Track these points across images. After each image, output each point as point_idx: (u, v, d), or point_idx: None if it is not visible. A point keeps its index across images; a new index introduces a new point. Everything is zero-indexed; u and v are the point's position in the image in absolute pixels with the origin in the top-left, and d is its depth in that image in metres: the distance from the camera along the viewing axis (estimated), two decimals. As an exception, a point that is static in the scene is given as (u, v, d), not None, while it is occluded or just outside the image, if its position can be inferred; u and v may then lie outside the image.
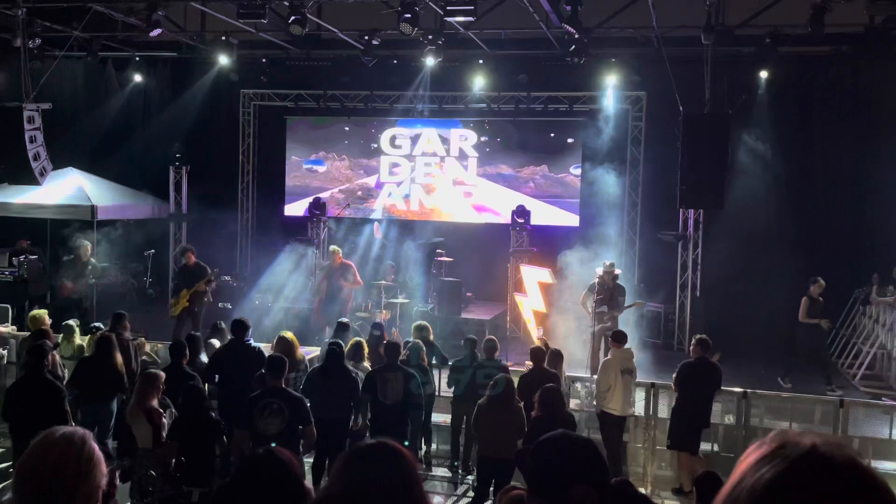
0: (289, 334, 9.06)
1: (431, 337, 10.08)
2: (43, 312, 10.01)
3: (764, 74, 13.86)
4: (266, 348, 9.00)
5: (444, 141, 16.38)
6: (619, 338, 9.37)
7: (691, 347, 9.20)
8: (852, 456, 1.10)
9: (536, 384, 8.07)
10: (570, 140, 15.82)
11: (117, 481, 2.91)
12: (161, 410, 6.96)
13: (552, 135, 15.94)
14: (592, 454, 2.04)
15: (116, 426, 8.35)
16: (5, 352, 10.92)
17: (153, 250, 15.85)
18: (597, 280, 11.75)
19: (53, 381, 7.45)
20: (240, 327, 8.78)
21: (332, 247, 13.63)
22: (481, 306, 14.87)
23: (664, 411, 9.48)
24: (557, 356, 9.32)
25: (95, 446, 2.12)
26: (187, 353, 8.36)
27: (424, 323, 10.33)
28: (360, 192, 16.83)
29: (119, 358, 8.51)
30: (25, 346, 9.19)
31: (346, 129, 16.87)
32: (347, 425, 8.15)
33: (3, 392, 10.50)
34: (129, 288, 15.54)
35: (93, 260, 12.86)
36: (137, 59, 16.24)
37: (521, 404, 8.04)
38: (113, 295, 14.39)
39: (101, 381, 8.31)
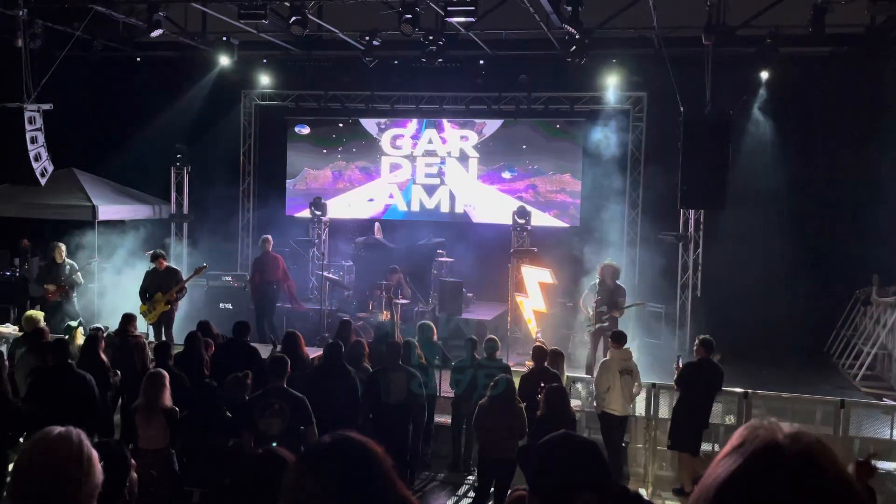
0: (294, 332, 9.09)
1: (435, 337, 10.06)
2: (39, 313, 10.02)
3: (765, 75, 13.85)
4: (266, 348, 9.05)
5: (445, 141, 16.37)
6: (618, 338, 9.38)
7: (695, 348, 9.20)
8: (808, 446, 1.11)
9: (538, 384, 8.08)
10: (570, 140, 15.82)
11: (135, 486, 2.90)
12: (177, 409, 6.99)
13: (553, 135, 15.93)
14: (594, 457, 2.04)
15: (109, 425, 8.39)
16: None
17: (154, 251, 15.86)
18: (597, 280, 11.77)
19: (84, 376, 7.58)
20: (241, 328, 9.02)
21: (264, 236, 13.76)
22: (482, 306, 14.87)
23: (665, 411, 9.48)
24: (558, 356, 9.33)
25: (91, 446, 2.12)
26: (172, 353, 8.41)
27: (428, 323, 10.31)
28: (360, 193, 16.83)
29: (103, 356, 8.53)
30: (20, 346, 9.19)
31: (346, 128, 16.87)
32: (346, 426, 8.11)
33: None
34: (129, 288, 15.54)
35: (69, 261, 12.80)
36: (138, 59, 16.24)
37: (524, 405, 8.05)
38: (113, 295, 14.39)
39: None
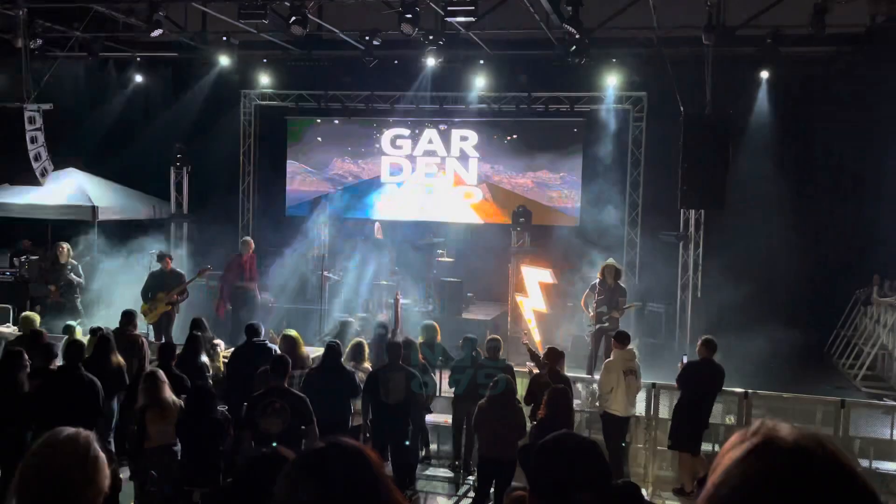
0: (293, 332, 9.09)
1: (439, 338, 10.02)
2: (35, 315, 9.99)
3: (765, 75, 13.85)
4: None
5: (445, 141, 16.38)
6: (622, 339, 9.36)
7: (697, 347, 9.19)
8: (833, 451, 1.12)
9: (547, 385, 8.06)
10: (570, 141, 15.82)
11: (120, 483, 2.91)
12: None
13: (553, 135, 15.93)
14: (595, 457, 2.04)
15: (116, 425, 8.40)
16: None
17: (154, 251, 15.87)
18: (598, 280, 11.77)
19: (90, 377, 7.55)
20: (251, 330, 9.03)
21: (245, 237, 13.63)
22: (482, 306, 14.87)
23: (665, 411, 9.48)
24: (559, 356, 9.30)
25: (99, 448, 2.11)
26: (175, 355, 8.41)
27: (433, 323, 10.26)
28: (361, 193, 16.83)
29: (118, 357, 8.52)
30: (14, 347, 9.15)
31: (347, 129, 16.87)
32: (345, 426, 8.14)
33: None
34: (129, 288, 15.54)
35: (72, 262, 12.86)
36: (138, 59, 16.24)
37: (530, 406, 8.05)
38: (114, 295, 14.40)
39: (101, 381, 8.30)
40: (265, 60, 16.15)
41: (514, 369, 9.39)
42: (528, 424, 8.11)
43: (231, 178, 17.19)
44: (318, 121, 17.02)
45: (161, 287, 12.15)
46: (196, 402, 6.96)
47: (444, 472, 9.64)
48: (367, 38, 13.55)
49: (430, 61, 14.04)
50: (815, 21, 10.87)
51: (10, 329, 11.81)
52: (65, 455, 2.04)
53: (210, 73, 15.81)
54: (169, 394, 7.01)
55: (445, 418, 9.77)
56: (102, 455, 2.09)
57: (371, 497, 1.60)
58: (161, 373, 7.16)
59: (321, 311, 13.66)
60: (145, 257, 14.44)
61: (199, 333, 9.17)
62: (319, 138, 17.07)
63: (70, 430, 2.11)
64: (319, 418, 7.15)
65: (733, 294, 14.00)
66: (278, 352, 8.51)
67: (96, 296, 13.66)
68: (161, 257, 12.46)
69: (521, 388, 8.72)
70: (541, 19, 12.10)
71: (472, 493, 8.68)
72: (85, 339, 9.79)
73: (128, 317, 9.57)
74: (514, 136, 16.07)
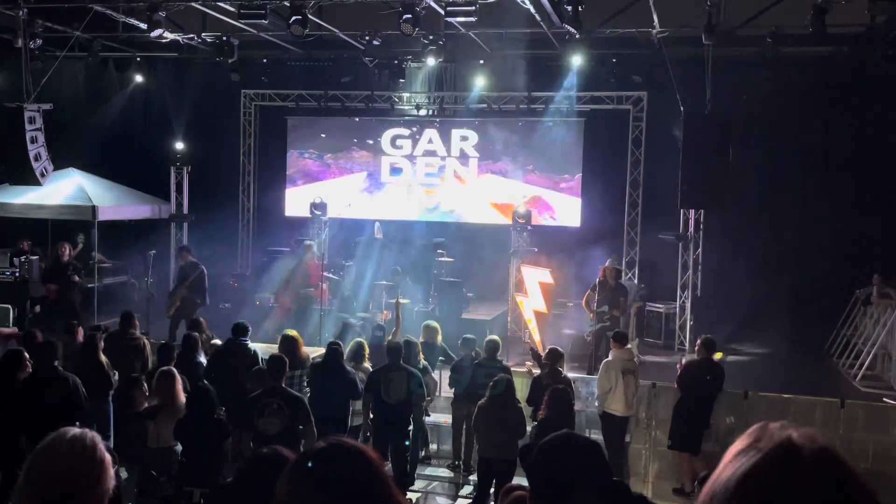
0: (293, 333, 9.08)
1: (440, 338, 10.02)
2: None
3: (765, 75, 13.85)
4: (266, 348, 9.03)
5: (445, 141, 16.37)
6: (619, 338, 9.37)
7: (697, 347, 9.19)
8: (825, 446, 1.12)
9: (549, 386, 8.07)
10: (570, 140, 15.81)
11: (122, 481, 2.90)
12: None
13: (553, 135, 15.92)
14: (596, 457, 2.04)
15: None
16: None
17: (154, 251, 15.87)
18: (599, 280, 11.78)
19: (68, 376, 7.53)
20: (237, 329, 8.97)
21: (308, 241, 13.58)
22: (482, 306, 14.86)
23: (665, 411, 9.48)
24: (558, 356, 9.31)
25: (104, 449, 2.10)
26: (175, 355, 8.40)
27: (434, 324, 10.26)
28: (360, 193, 16.83)
29: (103, 357, 8.51)
30: None
31: (347, 129, 16.87)
32: (344, 424, 8.17)
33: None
34: (130, 288, 15.54)
35: (74, 262, 12.93)
36: (138, 59, 16.24)
37: (532, 406, 8.06)
38: (114, 295, 14.41)
39: (87, 382, 8.26)
40: (265, 61, 16.15)
41: (514, 369, 9.40)
42: (529, 424, 8.12)
43: (231, 178, 17.19)
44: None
45: (180, 281, 12.63)
46: (197, 402, 6.96)
47: (444, 472, 9.64)
48: (367, 37, 13.54)
49: (430, 61, 14.04)
50: (815, 21, 10.87)
51: (9, 330, 11.80)
52: (70, 456, 2.01)
53: (210, 74, 15.81)
54: (181, 394, 7.02)
55: (445, 418, 9.78)
56: (108, 456, 2.08)
57: (371, 497, 1.59)
58: (176, 371, 7.18)
59: (321, 312, 13.66)
60: (145, 258, 14.44)
61: (197, 334, 9.17)
62: (319, 139, 17.03)
63: (76, 430, 2.08)
64: (318, 418, 7.15)
65: (733, 294, 14.02)
66: (258, 353, 8.55)
67: (96, 296, 13.66)
68: (180, 251, 12.82)
69: (520, 387, 8.72)
70: (541, 19, 12.10)
71: (472, 493, 8.69)
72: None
73: (127, 319, 9.55)
74: (515, 137, 16.06)
